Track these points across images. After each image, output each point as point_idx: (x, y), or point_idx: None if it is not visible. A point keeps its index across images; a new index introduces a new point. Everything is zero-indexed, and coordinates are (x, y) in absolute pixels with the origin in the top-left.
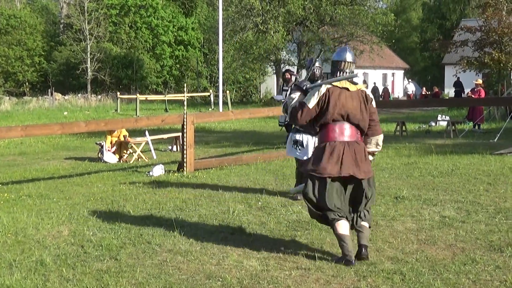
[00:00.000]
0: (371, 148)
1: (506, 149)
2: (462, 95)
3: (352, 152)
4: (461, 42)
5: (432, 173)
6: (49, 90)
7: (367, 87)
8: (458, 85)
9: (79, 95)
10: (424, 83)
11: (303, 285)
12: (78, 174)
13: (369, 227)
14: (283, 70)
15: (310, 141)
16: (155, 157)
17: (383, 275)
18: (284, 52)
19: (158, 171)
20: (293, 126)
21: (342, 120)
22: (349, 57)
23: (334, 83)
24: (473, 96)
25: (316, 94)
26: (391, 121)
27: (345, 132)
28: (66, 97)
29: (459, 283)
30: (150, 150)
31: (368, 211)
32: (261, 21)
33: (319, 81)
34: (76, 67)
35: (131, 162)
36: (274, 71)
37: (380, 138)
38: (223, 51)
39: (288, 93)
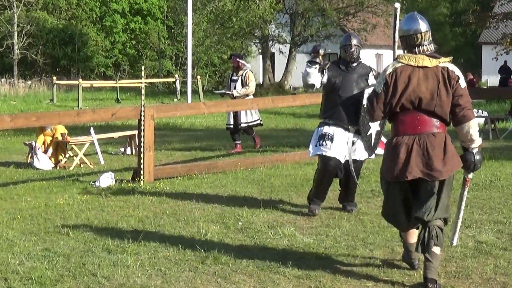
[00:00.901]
0: (463, 139)
1: None
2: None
3: (423, 148)
4: (503, 15)
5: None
6: None
7: (451, 61)
8: (505, 71)
9: (2, 80)
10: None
11: None
12: (0, 184)
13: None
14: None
15: (342, 136)
16: (102, 162)
17: None
18: (273, 25)
19: (106, 180)
20: (320, 121)
21: (413, 108)
22: (423, 26)
23: (407, 61)
24: None
25: (382, 75)
26: None
27: (417, 123)
28: None
29: None
30: (96, 153)
31: (441, 228)
32: None
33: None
34: None
35: (71, 168)
36: (260, 50)
37: (470, 125)
38: (193, 24)
39: (237, 84)
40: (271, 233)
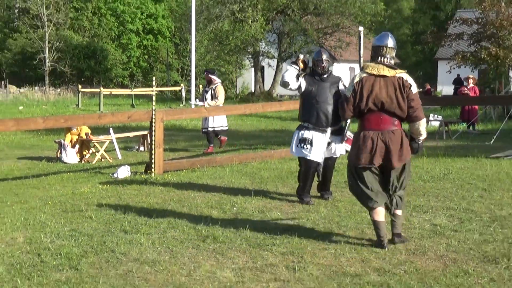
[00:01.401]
0: (415, 135)
1: (503, 152)
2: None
3: (385, 141)
4: (456, 35)
5: (423, 177)
6: (3, 82)
7: (406, 72)
8: (458, 82)
9: (36, 88)
10: (415, 79)
11: None
12: (34, 175)
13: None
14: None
15: (319, 139)
16: (120, 157)
17: None
18: (263, 43)
19: (123, 172)
20: (299, 124)
21: (377, 110)
22: (390, 42)
23: (370, 71)
24: (469, 93)
25: (351, 83)
26: None
27: (380, 122)
28: (22, 90)
29: None
30: (115, 150)
31: (401, 197)
32: (238, 9)
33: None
34: (33, 57)
35: (94, 162)
36: (252, 64)
37: (420, 124)
38: (196, 42)
39: (208, 95)
40: (261, 217)
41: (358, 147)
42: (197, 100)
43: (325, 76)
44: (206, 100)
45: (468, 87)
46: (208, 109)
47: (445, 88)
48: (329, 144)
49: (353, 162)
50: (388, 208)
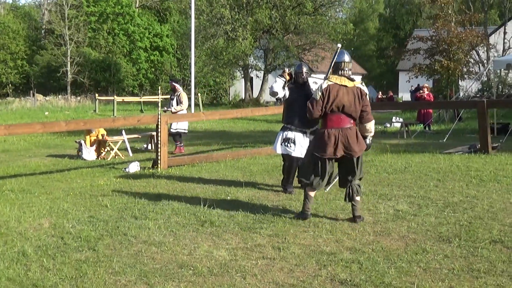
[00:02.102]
0: (365, 132)
1: (454, 148)
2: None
3: (344, 136)
4: (413, 50)
5: (387, 170)
6: (31, 92)
7: (362, 83)
8: (416, 90)
9: (59, 96)
10: (380, 87)
11: (268, 274)
12: (58, 170)
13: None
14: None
15: (302, 140)
16: (131, 154)
17: (342, 264)
18: (252, 58)
19: (134, 167)
20: (283, 125)
21: (338, 111)
22: (346, 58)
23: (335, 81)
24: (425, 97)
25: (319, 89)
26: None
27: (340, 121)
28: (47, 98)
29: (411, 271)
30: (127, 148)
31: (359, 185)
32: (230, 29)
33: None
34: (56, 70)
35: (109, 159)
36: (242, 75)
37: (370, 124)
38: (195, 57)
39: (174, 101)
40: (250, 204)
41: (324, 142)
42: (165, 107)
43: (305, 85)
44: (172, 106)
45: (425, 94)
46: (205, 113)
47: (405, 95)
48: (290, 142)
49: (319, 153)
50: (346, 195)
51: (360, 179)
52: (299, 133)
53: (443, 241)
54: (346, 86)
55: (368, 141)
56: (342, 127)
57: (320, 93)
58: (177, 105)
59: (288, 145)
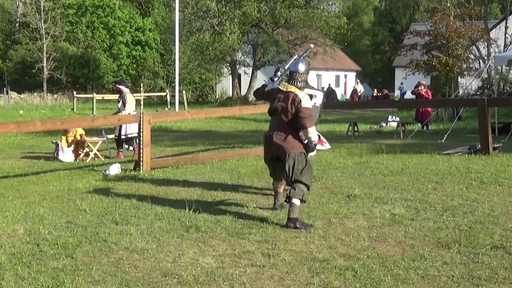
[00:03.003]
0: (305, 138)
1: (453, 149)
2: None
3: (275, 137)
4: (410, 46)
5: (383, 172)
6: (5, 89)
7: (311, 94)
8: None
9: (35, 94)
10: (375, 85)
11: (258, 282)
12: (33, 173)
13: (303, 200)
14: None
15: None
16: (111, 156)
17: (336, 272)
18: (240, 53)
19: (114, 170)
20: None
21: (276, 114)
22: (301, 68)
23: (282, 88)
24: (423, 95)
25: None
26: (343, 122)
27: (276, 124)
28: (22, 96)
29: (409, 279)
30: (107, 149)
31: (296, 188)
32: (217, 23)
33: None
34: (32, 66)
35: (87, 161)
36: (230, 72)
37: (307, 132)
38: (179, 52)
39: (120, 104)
40: (238, 208)
41: (264, 144)
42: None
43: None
44: (119, 108)
45: (422, 91)
46: (191, 112)
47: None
48: None
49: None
50: (287, 196)
51: (306, 185)
52: None
53: (442, 247)
54: (289, 91)
55: (309, 147)
56: (277, 131)
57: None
58: (124, 106)
59: None
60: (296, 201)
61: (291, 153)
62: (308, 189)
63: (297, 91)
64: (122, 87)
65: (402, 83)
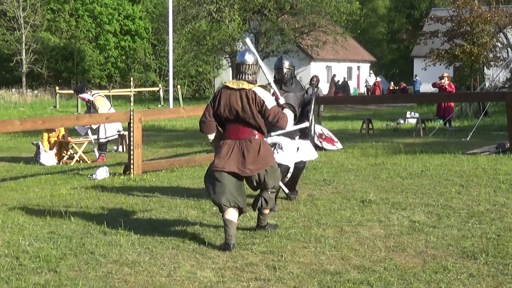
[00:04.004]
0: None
1: (479, 148)
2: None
3: (240, 150)
4: (430, 33)
5: (401, 174)
6: None
7: (267, 87)
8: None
9: (13, 90)
10: (391, 77)
11: None
12: (12, 177)
13: (274, 208)
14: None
15: (290, 145)
16: (97, 159)
17: (349, 286)
18: (241, 43)
19: (102, 174)
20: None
21: (233, 119)
22: (249, 59)
23: (231, 85)
24: (446, 88)
25: (213, 95)
26: (356, 119)
27: (236, 131)
28: None
29: None
30: (93, 151)
31: (266, 199)
32: (215, 9)
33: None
34: (9, 59)
35: (72, 164)
36: (230, 64)
37: (288, 127)
38: (173, 42)
39: (91, 109)
40: (240, 216)
41: (217, 153)
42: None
43: (291, 85)
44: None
45: (445, 84)
46: (186, 109)
47: (422, 86)
48: (298, 149)
49: (210, 166)
50: (254, 206)
51: (274, 191)
52: (286, 138)
53: (467, 258)
54: (241, 89)
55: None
56: (241, 139)
57: (212, 98)
58: (94, 109)
59: (275, 151)
60: (266, 211)
61: (268, 168)
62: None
63: (252, 87)
64: (84, 96)
65: (416, 75)
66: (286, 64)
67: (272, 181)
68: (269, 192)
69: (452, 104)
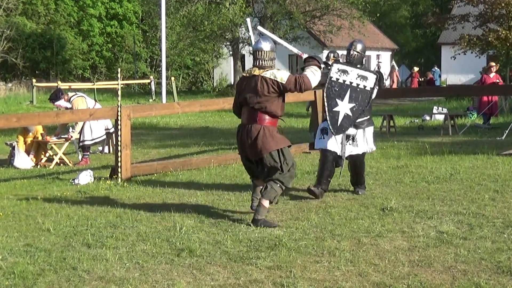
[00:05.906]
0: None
1: None
2: None
3: (246, 134)
4: (460, 17)
5: (427, 178)
6: None
7: (276, 73)
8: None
9: None
10: (417, 66)
11: None
12: None
13: (274, 202)
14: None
15: (361, 136)
16: (79, 162)
17: None
18: (243, 28)
19: (85, 178)
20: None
21: (245, 105)
22: (266, 46)
23: (245, 74)
24: (498, 81)
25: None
26: (376, 115)
27: (245, 116)
28: None
29: None
30: (76, 152)
31: (268, 187)
32: None
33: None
34: None
35: (51, 167)
36: (231, 52)
37: (314, 86)
38: (166, 28)
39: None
40: (243, 226)
41: (237, 139)
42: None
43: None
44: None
45: (491, 76)
46: (181, 104)
47: (450, 77)
48: (353, 138)
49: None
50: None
51: (282, 186)
52: (359, 130)
53: (502, 273)
54: (252, 76)
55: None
56: (246, 124)
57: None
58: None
59: (322, 136)
60: (265, 203)
61: (270, 151)
62: (283, 190)
63: (261, 72)
64: (61, 103)
65: (435, 66)
66: (357, 47)
67: (277, 174)
68: (274, 183)
69: (496, 97)
